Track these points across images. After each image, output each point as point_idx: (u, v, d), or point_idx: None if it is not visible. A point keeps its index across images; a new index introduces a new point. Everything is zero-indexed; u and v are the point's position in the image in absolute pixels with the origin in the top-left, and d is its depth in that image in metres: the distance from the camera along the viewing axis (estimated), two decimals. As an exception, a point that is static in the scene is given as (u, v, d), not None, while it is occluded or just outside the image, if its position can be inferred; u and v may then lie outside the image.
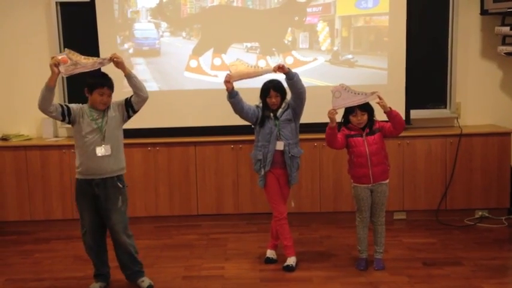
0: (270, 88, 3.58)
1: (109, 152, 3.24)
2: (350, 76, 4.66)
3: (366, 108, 3.48)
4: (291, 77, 3.48)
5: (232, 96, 3.51)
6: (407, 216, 4.69)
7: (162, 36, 4.72)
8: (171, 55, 4.70)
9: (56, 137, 4.89)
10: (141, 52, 4.67)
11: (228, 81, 3.48)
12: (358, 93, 3.41)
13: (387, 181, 3.59)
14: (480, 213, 4.67)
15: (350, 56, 4.70)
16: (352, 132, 3.53)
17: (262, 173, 3.63)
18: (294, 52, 4.69)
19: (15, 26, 4.83)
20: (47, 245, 4.34)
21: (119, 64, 3.21)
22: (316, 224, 4.62)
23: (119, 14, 4.68)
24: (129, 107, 3.31)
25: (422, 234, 4.32)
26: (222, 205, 4.69)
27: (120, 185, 3.31)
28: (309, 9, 4.66)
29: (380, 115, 3.56)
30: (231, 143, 4.62)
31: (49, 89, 3.13)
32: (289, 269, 3.62)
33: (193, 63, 4.73)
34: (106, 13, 4.63)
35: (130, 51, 4.68)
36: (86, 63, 3.19)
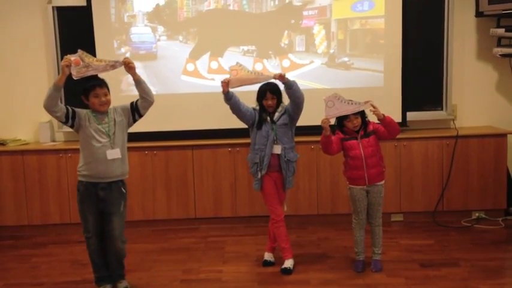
0: (267, 90, 3.60)
1: (119, 155, 3.27)
2: (346, 79, 4.68)
3: (360, 111, 3.49)
4: (290, 86, 3.50)
5: (228, 98, 3.53)
6: (404, 218, 4.70)
7: (159, 40, 4.73)
8: (168, 59, 4.71)
9: (53, 141, 4.88)
10: (138, 56, 4.68)
11: (225, 84, 3.49)
12: (352, 103, 3.42)
13: (383, 182, 3.61)
14: (477, 214, 4.68)
15: (346, 59, 4.71)
16: (347, 136, 3.55)
17: (259, 176, 3.64)
18: (290, 55, 4.71)
19: (12, 31, 4.83)
20: (44, 249, 4.34)
21: (130, 69, 3.24)
22: (314, 226, 4.62)
23: (116, 18, 4.69)
24: (135, 112, 3.34)
25: (419, 236, 4.33)
26: (219, 208, 4.69)
27: (124, 190, 3.34)
28: (305, 13, 4.68)
29: (374, 117, 3.56)
30: (228, 146, 4.63)
31: (57, 88, 3.13)
32: (287, 271, 3.62)
33: (190, 67, 4.74)
34: (103, 17, 4.64)
35: (127, 55, 4.67)
36: (98, 65, 3.20)
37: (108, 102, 3.28)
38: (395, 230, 4.48)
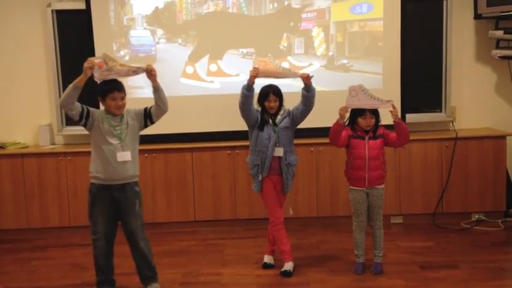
0: (270, 92, 3.60)
1: (129, 158, 3.28)
2: (345, 81, 4.66)
3: (375, 112, 3.50)
4: (310, 90, 3.54)
5: (250, 89, 3.52)
6: (404, 220, 4.70)
7: (158, 43, 4.73)
8: (167, 61, 4.72)
9: (53, 144, 4.88)
10: (137, 59, 4.68)
11: (254, 75, 3.49)
12: (374, 98, 3.42)
13: (383, 186, 3.61)
14: (476, 216, 4.68)
15: (345, 61, 4.72)
16: (356, 133, 3.55)
17: (260, 178, 3.64)
18: (289, 57, 4.71)
19: (11, 34, 4.83)
20: (43, 252, 4.34)
21: (152, 76, 3.25)
22: (313, 229, 4.62)
23: (115, 21, 4.70)
24: (148, 118, 3.36)
25: (419, 238, 4.33)
26: (219, 211, 4.69)
27: (137, 189, 3.36)
28: (304, 15, 4.68)
29: (384, 121, 3.57)
30: (227, 149, 4.63)
31: (76, 88, 3.14)
32: (287, 274, 3.62)
33: (190, 70, 4.75)
34: (102, 20, 4.64)
35: (127, 58, 4.69)
36: (120, 70, 3.21)
37: (123, 106, 3.30)
38: (394, 232, 4.48)
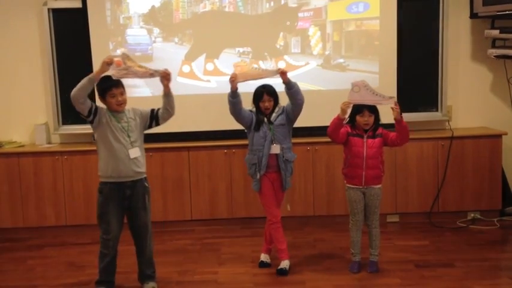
0: (264, 92, 3.60)
1: (139, 154, 3.31)
2: (342, 80, 4.68)
3: (375, 110, 3.49)
4: (291, 87, 3.51)
5: (235, 96, 3.53)
6: (400, 219, 4.72)
7: (154, 41, 4.73)
8: (164, 60, 4.71)
9: (49, 143, 4.87)
10: (133, 58, 4.64)
11: (233, 81, 3.50)
12: (377, 94, 3.42)
13: (379, 186, 3.61)
14: (472, 215, 4.70)
15: (342, 60, 4.73)
16: (354, 132, 3.55)
17: (258, 176, 3.64)
18: (286, 57, 4.71)
19: (7, 33, 4.82)
20: (40, 251, 4.33)
21: (166, 81, 3.28)
22: (310, 228, 4.63)
23: (111, 20, 4.69)
24: (154, 120, 3.38)
25: (414, 237, 4.34)
26: (215, 210, 4.69)
27: (147, 184, 3.39)
28: (300, 14, 4.69)
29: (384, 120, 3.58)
30: (224, 148, 4.63)
31: (91, 81, 3.15)
32: (283, 272, 3.63)
33: (186, 69, 4.74)
34: (98, 19, 4.64)
35: (123, 57, 4.69)
36: (137, 71, 3.23)
37: (124, 102, 3.30)
38: (390, 231, 4.49)
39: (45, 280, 3.73)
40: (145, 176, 3.40)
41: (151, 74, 3.27)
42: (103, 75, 3.19)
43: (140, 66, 3.25)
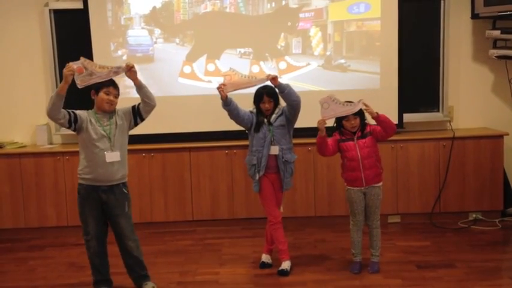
0: (264, 94, 3.61)
1: (118, 158, 3.26)
2: (343, 81, 4.69)
3: (358, 111, 3.50)
4: (283, 90, 3.52)
5: (227, 104, 3.55)
6: (401, 220, 4.71)
7: (155, 42, 4.74)
8: (165, 61, 4.72)
9: (51, 144, 4.88)
10: (134, 59, 4.67)
11: (222, 90, 3.50)
12: (346, 104, 3.45)
13: (380, 184, 3.61)
14: (474, 215, 4.69)
15: (343, 61, 4.73)
16: (344, 137, 3.56)
17: (257, 177, 3.65)
18: (287, 57, 4.72)
19: (8, 34, 4.83)
20: (41, 252, 4.33)
21: (132, 73, 3.21)
22: (311, 228, 4.63)
23: (113, 20, 4.70)
24: (137, 115, 3.34)
25: (416, 237, 4.33)
26: (216, 210, 4.69)
27: (125, 191, 3.34)
28: (301, 15, 4.69)
29: (371, 119, 3.58)
30: (225, 148, 4.63)
31: (60, 96, 3.11)
32: (284, 273, 3.63)
33: (187, 69, 4.75)
34: (99, 20, 4.64)
35: (124, 58, 4.69)
36: (101, 72, 3.16)
37: (114, 104, 3.28)
38: (392, 232, 4.49)
39: (46, 280, 3.73)
40: (124, 181, 3.34)
41: (116, 71, 3.20)
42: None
43: (101, 67, 3.18)
